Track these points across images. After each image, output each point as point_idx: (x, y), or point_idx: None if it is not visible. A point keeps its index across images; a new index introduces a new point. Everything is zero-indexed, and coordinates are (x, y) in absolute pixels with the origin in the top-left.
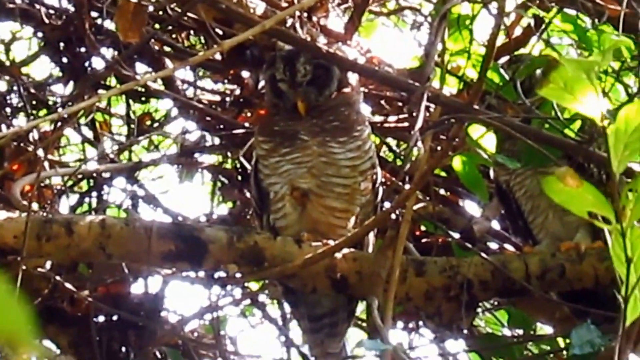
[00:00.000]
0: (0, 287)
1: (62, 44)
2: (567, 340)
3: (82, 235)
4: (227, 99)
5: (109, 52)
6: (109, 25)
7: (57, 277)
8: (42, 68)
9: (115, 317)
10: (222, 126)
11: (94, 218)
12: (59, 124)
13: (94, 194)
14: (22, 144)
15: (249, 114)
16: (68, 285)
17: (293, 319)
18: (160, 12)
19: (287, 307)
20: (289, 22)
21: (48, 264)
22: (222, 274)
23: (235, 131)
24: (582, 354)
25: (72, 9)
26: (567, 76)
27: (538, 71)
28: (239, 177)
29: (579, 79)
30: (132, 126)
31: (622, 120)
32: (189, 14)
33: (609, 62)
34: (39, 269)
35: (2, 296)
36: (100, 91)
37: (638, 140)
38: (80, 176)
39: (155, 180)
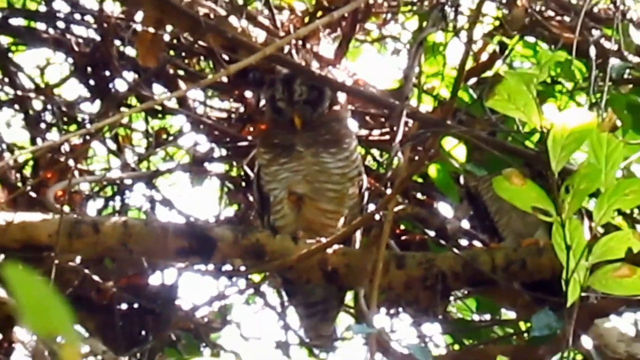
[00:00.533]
0: (43, 288)
1: (89, 68)
2: (528, 324)
3: (107, 234)
4: (233, 115)
5: (130, 75)
6: (130, 52)
7: (86, 270)
8: (72, 89)
9: (135, 305)
10: (228, 139)
11: (117, 219)
12: (87, 137)
13: (117, 198)
14: (55, 155)
15: (251, 129)
16: (95, 277)
17: (290, 306)
18: (175, 41)
19: (285, 296)
20: (286, 48)
21: (78, 259)
22: (228, 267)
23: (239, 143)
24: (541, 335)
25: (98, 38)
26: (510, 88)
27: None
28: (243, 183)
29: (520, 91)
30: (150, 139)
31: (559, 126)
32: (200, 42)
33: (546, 75)
34: (70, 263)
35: (45, 296)
36: (123, 109)
37: (573, 143)
38: (105, 183)
39: (171, 186)
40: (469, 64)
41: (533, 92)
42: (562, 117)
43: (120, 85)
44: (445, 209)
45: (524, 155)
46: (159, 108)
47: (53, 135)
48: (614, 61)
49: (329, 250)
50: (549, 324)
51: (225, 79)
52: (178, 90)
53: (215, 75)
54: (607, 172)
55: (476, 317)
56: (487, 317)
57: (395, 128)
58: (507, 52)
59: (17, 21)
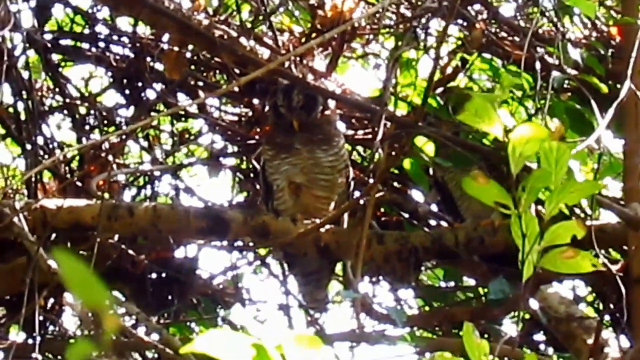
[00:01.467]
0: (84, 267)
1: (125, 80)
2: (486, 290)
3: (140, 216)
4: (243, 119)
5: (158, 86)
6: (159, 66)
7: (122, 246)
8: (111, 97)
9: (163, 275)
10: (239, 138)
11: (148, 204)
12: (123, 137)
13: (148, 187)
14: (97, 152)
15: (258, 130)
16: (130, 252)
17: (290, 275)
18: (195, 57)
19: (286, 267)
20: (287, 64)
21: (116, 237)
22: (240, 243)
23: (248, 142)
24: (496, 299)
25: (132, 55)
26: (477, 105)
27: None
28: (252, 175)
29: (486, 108)
30: (175, 139)
31: (517, 135)
32: (215, 59)
33: (507, 95)
34: (109, 241)
35: (86, 274)
36: (153, 114)
37: (528, 150)
38: (138, 174)
39: (192, 177)
40: (437, 76)
41: (496, 109)
42: (520, 129)
43: (150, 94)
44: (417, 195)
45: (481, 151)
46: (182, 113)
47: (95, 136)
48: (555, 74)
49: (322, 230)
50: (502, 289)
51: (236, 89)
52: (198, 99)
53: (228, 86)
54: (556, 173)
55: (443, 284)
56: (452, 284)
57: (376, 129)
58: (467, 66)
59: (65, 41)
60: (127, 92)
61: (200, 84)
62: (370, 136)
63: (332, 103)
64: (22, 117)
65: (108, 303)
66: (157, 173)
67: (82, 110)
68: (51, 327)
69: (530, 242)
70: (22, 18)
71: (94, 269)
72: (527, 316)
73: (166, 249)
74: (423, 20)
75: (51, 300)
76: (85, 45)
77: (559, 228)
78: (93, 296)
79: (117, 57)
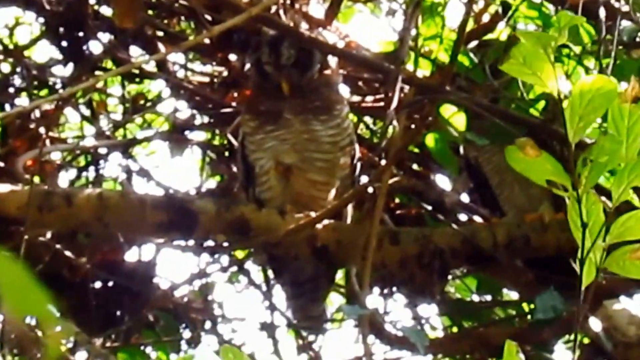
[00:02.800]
0: (19, 271)
1: (62, 29)
2: (532, 305)
3: (81, 206)
4: (216, 80)
5: (105, 37)
6: (106, 11)
7: (57, 246)
8: (43, 51)
9: (110, 283)
10: (210, 105)
11: (92, 191)
12: (59, 103)
13: (91, 168)
14: (24, 122)
15: (235, 94)
16: (67, 253)
17: (277, 285)
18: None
19: (271, 274)
20: (274, 8)
21: (48, 234)
22: (210, 242)
23: (223, 110)
24: (545, 318)
25: None
26: (526, 51)
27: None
28: (226, 153)
29: (537, 54)
30: (127, 105)
31: (577, 93)
32: (181, 1)
33: (565, 38)
34: (40, 238)
35: (22, 278)
36: (98, 73)
37: (592, 112)
38: (78, 152)
39: (148, 155)
40: (470, 25)
41: (551, 56)
42: (581, 83)
43: (95, 47)
44: (442, 181)
45: (528, 123)
46: (137, 72)
47: (22, 101)
48: (624, 23)
49: (319, 225)
50: (554, 305)
51: (207, 41)
52: (157, 54)
53: (197, 37)
54: (628, 146)
55: (476, 298)
56: (488, 297)
57: (390, 94)
58: (510, 13)
59: None
60: (64, 44)
61: (161, 34)
62: (382, 104)
63: (332, 60)
64: None
65: (53, 316)
66: (103, 150)
67: (5, 67)
68: None
69: (592, 235)
70: None
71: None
72: (586, 340)
73: (115, 249)
74: None
75: None
76: None
77: (631, 219)
78: (31, 304)
79: None
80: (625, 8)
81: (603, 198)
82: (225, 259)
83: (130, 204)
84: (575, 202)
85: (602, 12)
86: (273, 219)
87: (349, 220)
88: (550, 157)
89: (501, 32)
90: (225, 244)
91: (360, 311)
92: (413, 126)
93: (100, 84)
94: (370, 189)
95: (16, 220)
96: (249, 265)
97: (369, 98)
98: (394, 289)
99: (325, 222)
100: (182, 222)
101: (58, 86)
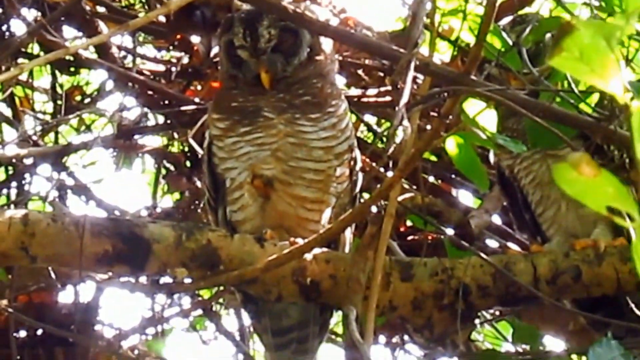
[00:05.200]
0: None
1: None
2: (583, 358)
3: (0, 233)
4: (173, 69)
5: (30, 14)
6: None
7: None
8: None
9: (39, 331)
10: (167, 102)
11: (14, 213)
12: None
13: (13, 183)
14: None
15: (199, 87)
16: None
17: (254, 332)
18: None
19: (246, 319)
20: None
21: None
22: (168, 279)
23: (182, 108)
24: None
25: None
26: (583, 43)
27: (548, 35)
28: (188, 163)
29: (598, 47)
30: (59, 102)
31: None
32: None
33: (634, 27)
34: None
35: None
36: (21, 60)
37: None
38: None
39: (87, 167)
40: None
41: (615, 50)
42: None
43: (17, 27)
44: (467, 198)
45: (578, 123)
46: (71, 59)
47: None
48: None
49: (308, 256)
50: (612, 358)
51: (163, 19)
52: (98, 36)
53: (150, 14)
54: None
55: (510, 348)
56: (526, 347)
57: (399, 86)
58: None
59: None
60: None
61: (102, 10)
62: (388, 98)
63: (326, 42)
64: None
65: None
66: (28, 160)
67: None
68: None
69: None
70: None
71: None
72: None
73: (44, 289)
74: None
75: None
76: None
77: None
78: None
79: None
80: None
81: None
82: (186, 301)
83: (64, 230)
84: None
85: None
86: (249, 248)
87: (347, 250)
88: (612, 177)
89: (542, 5)
90: (188, 281)
91: None
92: (429, 127)
93: (24, 75)
94: (374, 209)
95: None
96: (218, 308)
97: (372, 91)
98: (406, 337)
99: (317, 251)
100: (131, 252)
101: None
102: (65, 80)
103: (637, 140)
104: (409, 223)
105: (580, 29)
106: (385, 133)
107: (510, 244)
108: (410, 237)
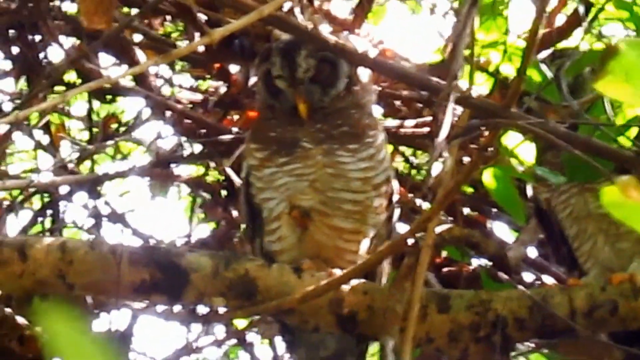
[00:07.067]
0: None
1: (12, 31)
2: None
3: (38, 261)
4: (211, 98)
5: (68, 41)
6: (70, 7)
7: (7, 310)
8: None
9: None
10: (203, 131)
11: (52, 241)
12: (9, 127)
13: (49, 211)
14: None
15: (236, 117)
16: (19, 319)
17: None
18: None
19: (281, 349)
20: (287, 6)
21: None
22: (203, 309)
23: (219, 137)
24: None
25: None
26: (628, 64)
27: (587, 69)
28: (224, 192)
29: None
30: (95, 130)
31: None
32: None
33: None
34: None
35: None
36: (57, 88)
37: None
38: (32, 189)
39: (122, 195)
40: (542, 29)
41: None
42: None
43: (54, 54)
44: (504, 230)
45: (617, 156)
46: (108, 87)
47: None
48: None
49: (345, 287)
50: None
51: (201, 48)
52: (139, 65)
53: (192, 44)
54: None
55: None
56: None
57: (438, 118)
58: (593, 13)
59: None
60: (14, 50)
61: (140, 38)
62: (426, 130)
63: (364, 73)
64: None
65: None
66: (64, 189)
67: None
68: None
69: None
70: None
71: None
72: None
73: (80, 316)
74: None
75: None
76: None
77: None
78: None
79: None
80: None
81: None
82: (221, 330)
83: (102, 259)
84: None
85: None
86: (286, 279)
87: (384, 281)
88: None
89: (583, 38)
90: (224, 311)
91: None
92: (468, 159)
93: (60, 104)
94: (411, 240)
95: None
96: (253, 337)
97: (409, 122)
98: None
99: (354, 282)
100: (168, 282)
101: (7, 105)
102: (101, 107)
103: None
104: (444, 254)
105: (624, 50)
106: (420, 164)
107: (546, 277)
108: (446, 269)
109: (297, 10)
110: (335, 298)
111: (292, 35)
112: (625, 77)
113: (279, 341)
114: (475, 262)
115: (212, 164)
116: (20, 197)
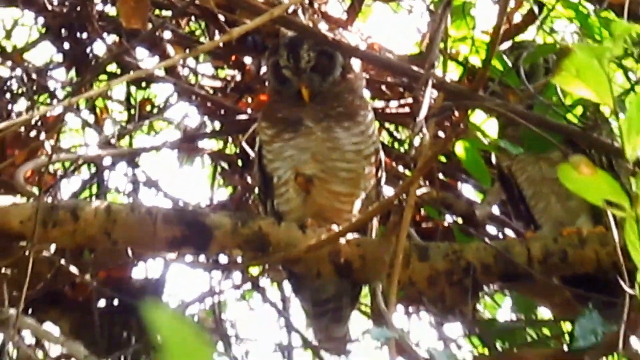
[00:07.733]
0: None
1: (63, 30)
2: (570, 326)
3: (88, 221)
4: (228, 85)
5: (110, 39)
6: (111, 10)
7: (61, 261)
8: (43, 54)
9: (116, 302)
10: (223, 112)
11: (99, 204)
12: (62, 110)
13: (95, 179)
14: (24, 131)
15: (250, 100)
16: (71, 269)
17: (294, 303)
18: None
19: (287, 290)
20: (291, 8)
21: (52, 249)
22: (223, 259)
23: (236, 117)
24: (586, 345)
25: None
26: (579, 63)
27: (541, 59)
28: (240, 163)
29: (591, 66)
30: (133, 111)
31: (634, 107)
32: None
33: (621, 49)
34: (43, 254)
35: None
36: (102, 77)
37: None
38: (81, 162)
39: (156, 165)
40: (503, 26)
41: (606, 69)
42: (637, 97)
43: (98, 49)
44: (473, 193)
45: (566, 131)
46: (143, 76)
47: (20, 106)
48: None
49: (342, 240)
50: (593, 329)
51: (220, 43)
52: (170, 58)
53: (215, 40)
54: None
55: (508, 318)
56: (522, 317)
57: (417, 100)
58: (545, 12)
59: None
60: (66, 46)
61: (169, 36)
62: (408, 110)
63: (355, 63)
64: None
65: None
66: (107, 160)
67: (3, 71)
68: None
69: None
70: None
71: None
72: None
73: (121, 266)
74: None
75: None
76: None
77: None
78: None
79: None
80: None
81: None
82: (238, 276)
83: (140, 219)
84: (633, 222)
85: None
86: (293, 234)
87: (374, 235)
88: (606, 175)
89: (538, 32)
90: (240, 260)
91: (389, 334)
92: (442, 134)
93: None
94: (396, 201)
95: (19, 235)
96: (264, 282)
97: (393, 103)
98: (421, 307)
99: (349, 236)
100: (196, 237)
101: (59, 91)
102: (138, 94)
103: (626, 142)
104: (423, 213)
105: (576, 51)
106: (402, 138)
107: (508, 231)
108: (426, 225)
109: (299, 11)
110: (334, 250)
111: (296, 32)
112: (576, 74)
113: (286, 285)
114: (449, 219)
115: (230, 139)
116: (72, 168)
